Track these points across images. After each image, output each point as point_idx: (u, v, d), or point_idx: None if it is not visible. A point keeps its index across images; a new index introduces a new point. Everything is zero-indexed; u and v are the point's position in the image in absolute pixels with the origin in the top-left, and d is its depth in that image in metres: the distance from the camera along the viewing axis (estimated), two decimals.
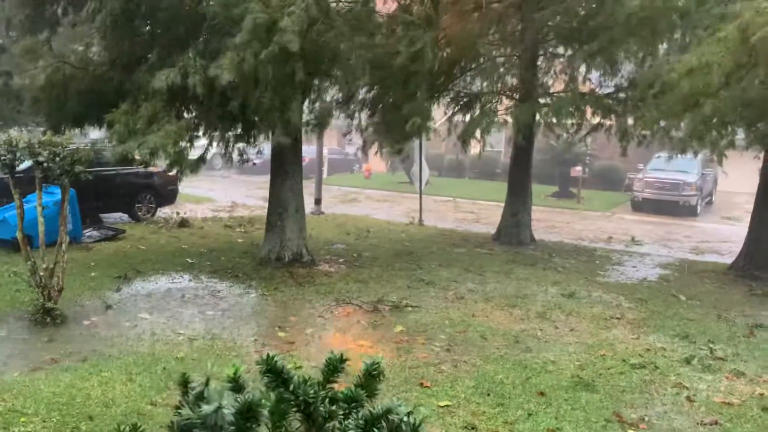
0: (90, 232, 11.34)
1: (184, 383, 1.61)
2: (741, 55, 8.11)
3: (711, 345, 6.82)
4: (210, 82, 7.55)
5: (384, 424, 1.45)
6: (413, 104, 9.14)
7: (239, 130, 9.82)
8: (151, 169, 13.99)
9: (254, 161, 10.65)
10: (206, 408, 1.34)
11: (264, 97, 7.78)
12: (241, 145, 10.57)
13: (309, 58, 7.80)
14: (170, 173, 14.26)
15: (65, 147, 6.61)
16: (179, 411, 1.50)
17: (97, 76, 8.98)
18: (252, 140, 10.20)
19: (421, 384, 5.40)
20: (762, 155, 11.03)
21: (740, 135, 10.23)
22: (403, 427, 1.45)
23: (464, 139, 12.09)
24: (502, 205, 13.64)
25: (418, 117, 9.08)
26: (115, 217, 13.74)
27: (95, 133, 11.82)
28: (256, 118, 8.61)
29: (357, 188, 24.17)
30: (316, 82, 9.19)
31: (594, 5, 10.70)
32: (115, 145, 8.14)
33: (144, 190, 13.98)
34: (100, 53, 9.58)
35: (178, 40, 8.50)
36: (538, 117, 11.78)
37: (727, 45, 8.07)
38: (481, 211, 18.72)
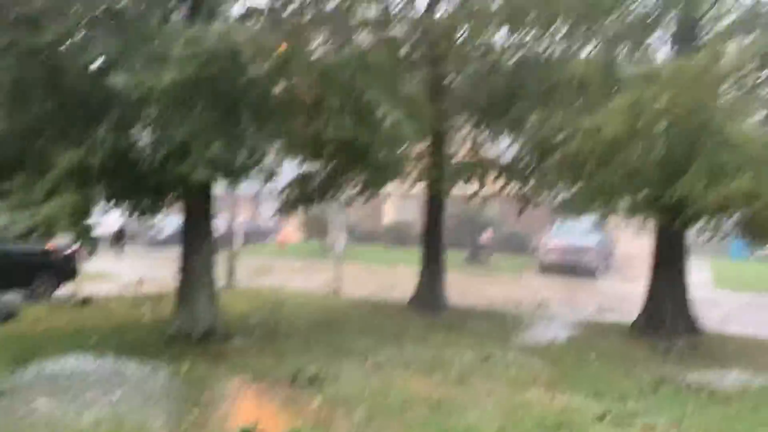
0: None
1: None
2: (628, 126, 8.70)
3: (622, 401, 7.08)
4: (121, 154, 7.29)
5: None
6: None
7: (150, 199, 9.46)
8: (48, 245, 13.34)
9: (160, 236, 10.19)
10: None
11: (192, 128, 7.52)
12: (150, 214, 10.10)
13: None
14: (70, 249, 13.62)
15: None
16: None
17: None
18: (164, 207, 9.81)
19: None
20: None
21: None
22: None
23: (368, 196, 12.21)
24: (417, 271, 13.83)
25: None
26: (9, 298, 12.79)
27: None
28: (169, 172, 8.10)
29: (272, 258, 23.84)
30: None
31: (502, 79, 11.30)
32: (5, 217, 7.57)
33: (41, 268, 13.17)
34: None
35: (85, 113, 8.20)
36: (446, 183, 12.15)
37: (617, 118, 8.67)
38: (396, 278, 18.84)
